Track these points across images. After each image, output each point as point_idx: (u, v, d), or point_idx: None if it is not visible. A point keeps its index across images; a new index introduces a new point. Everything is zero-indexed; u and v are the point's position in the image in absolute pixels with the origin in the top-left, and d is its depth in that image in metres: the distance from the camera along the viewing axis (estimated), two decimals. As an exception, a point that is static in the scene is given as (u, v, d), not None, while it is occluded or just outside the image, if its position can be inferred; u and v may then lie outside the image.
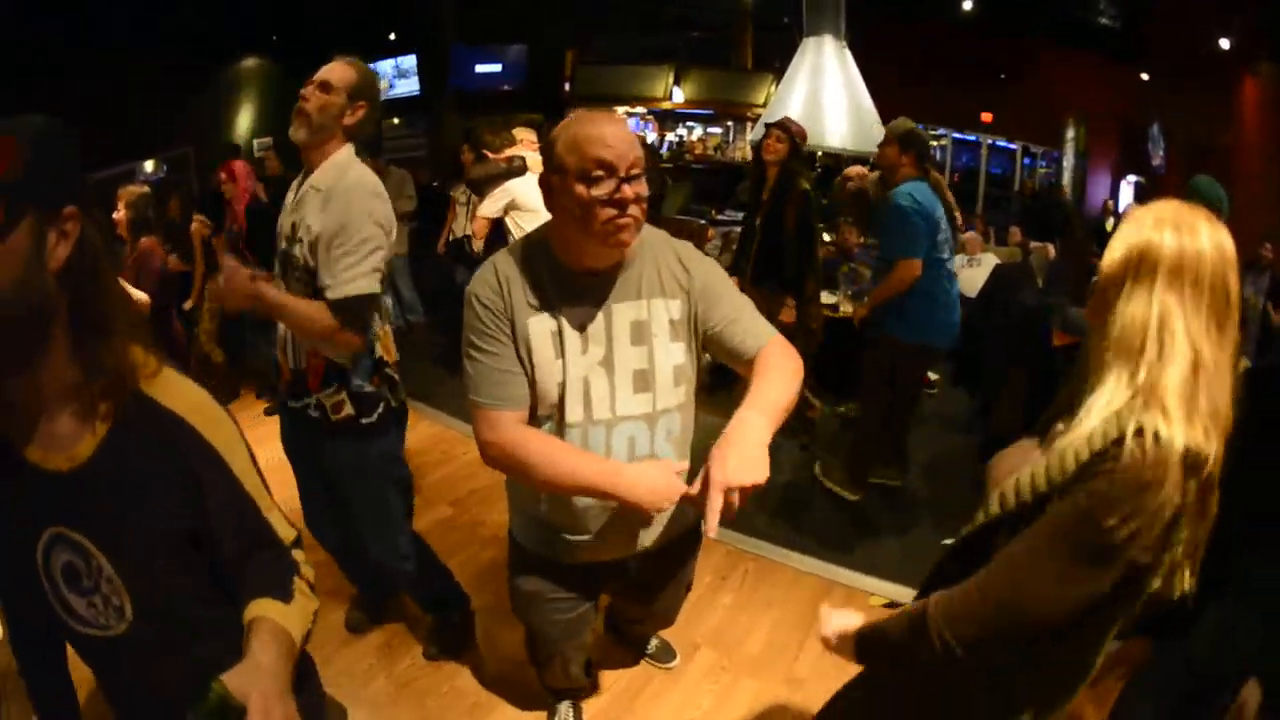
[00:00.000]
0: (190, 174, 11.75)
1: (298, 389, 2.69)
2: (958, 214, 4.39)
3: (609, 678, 3.16)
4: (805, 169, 5.10)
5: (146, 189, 5.44)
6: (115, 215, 5.22)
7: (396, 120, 14.88)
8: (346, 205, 2.44)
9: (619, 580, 2.43)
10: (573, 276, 1.96)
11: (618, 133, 1.81)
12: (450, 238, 7.52)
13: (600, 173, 1.78)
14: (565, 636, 2.49)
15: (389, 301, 2.81)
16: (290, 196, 2.66)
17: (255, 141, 13.24)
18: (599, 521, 2.14)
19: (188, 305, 6.22)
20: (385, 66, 14.44)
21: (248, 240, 5.54)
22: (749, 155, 12.62)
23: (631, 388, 2.00)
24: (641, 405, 2.01)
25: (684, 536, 2.39)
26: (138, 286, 4.85)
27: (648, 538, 2.24)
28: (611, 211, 1.80)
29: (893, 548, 4.25)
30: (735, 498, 1.63)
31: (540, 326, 1.95)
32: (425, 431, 5.65)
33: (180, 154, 12.06)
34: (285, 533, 1.43)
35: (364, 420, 2.67)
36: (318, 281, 2.49)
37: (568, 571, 2.32)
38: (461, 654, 3.27)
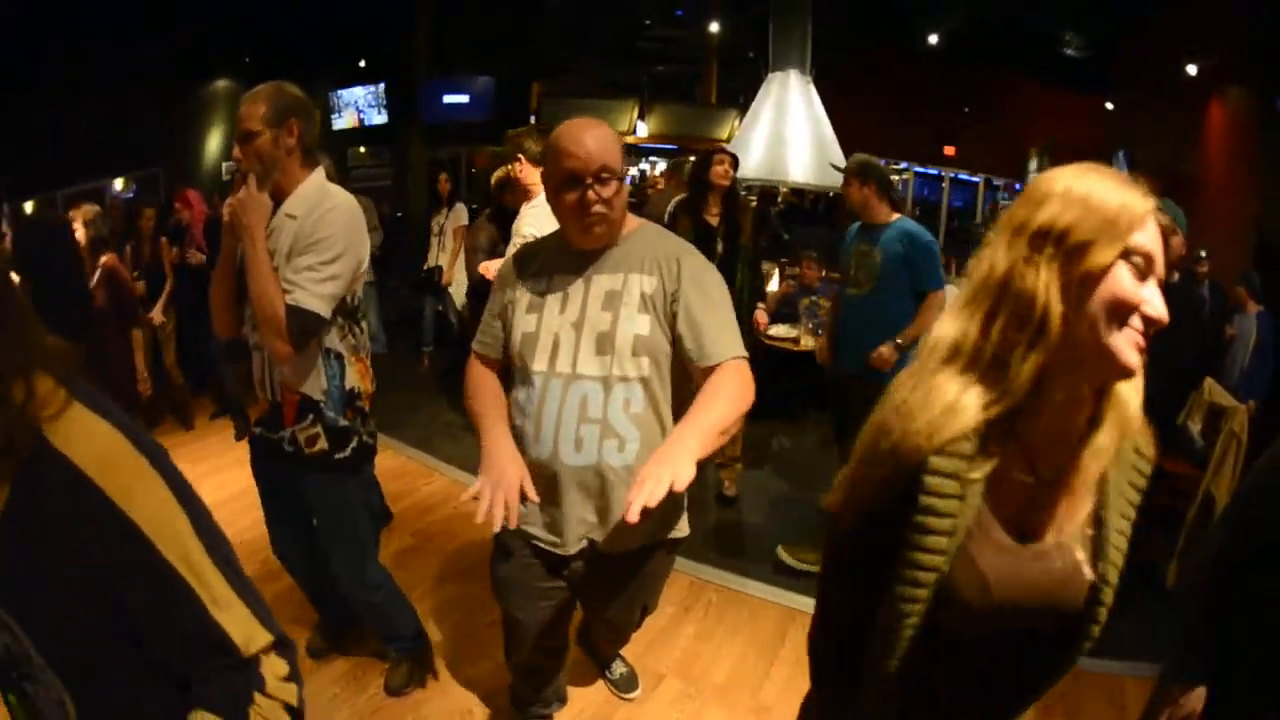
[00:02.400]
0: (160, 194, 11.65)
1: (273, 421, 2.68)
2: None
3: (574, 708, 3.12)
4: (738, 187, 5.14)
5: (98, 207, 5.41)
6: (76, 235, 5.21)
7: (363, 149, 14.88)
8: (324, 223, 2.45)
9: (581, 577, 2.39)
10: (569, 253, 2.23)
11: (587, 143, 2.06)
12: (425, 268, 7.53)
13: (570, 181, 2.06)
14: (537, 625, 2.49)
15: (365, 330, 2.77)
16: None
17: (224, 165, 13.20)
18: (546, 495, 2.19)
19: (156, 318, 6.23)
20: (358, 94, 14.44)
21: (209, 258, 5.60)
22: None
23: (594, 348, 2.14)
24: (600, 367, 2.13)
25: (642, 550, 2.38)
26: (103, 304, 4.83)
27: (596, 531, 2.26)
28: (579, 212, 2.09)
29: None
30: (652, 487, 1.71)
31: (529, 287, 2.25)
32: (388, 463, 5.55)
33: (150, 174, 12.00)
34: (246, 635, 1.09)
35: (337, 455, 2.68)
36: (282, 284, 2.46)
37: (539, 558, 2.36)
38: (423, 686, 3.23)
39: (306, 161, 2.57)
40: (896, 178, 17.30)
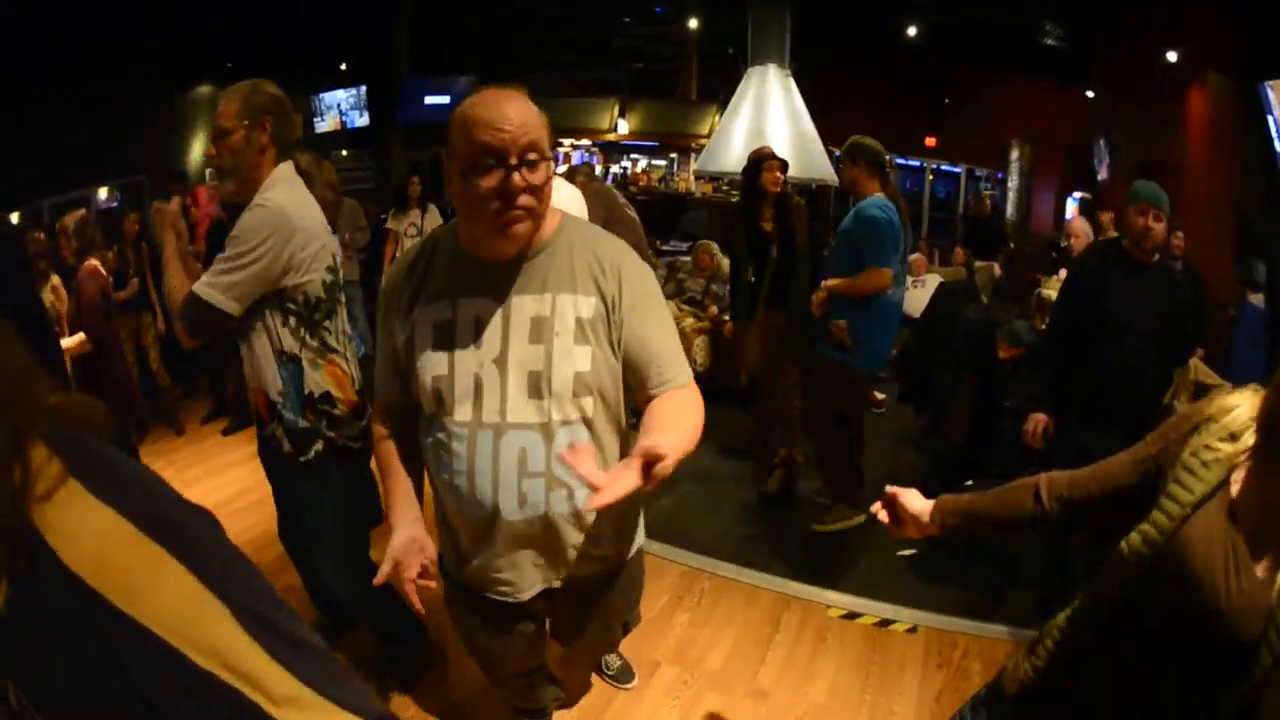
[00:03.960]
0: (145, 201, 11.62)
1: (260, 420, 2.74)
2: (908, 235, 4.45)
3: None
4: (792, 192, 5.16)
5: (84, 212, 5.47)
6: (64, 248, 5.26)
7: (345, 152, 14.86)
8: (245, 221, 2.43)
9: (547, 613, 2.28)
10: (475, 265, 1.83)
11: (510, 115, 1.62)
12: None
13: (489, 161, 1.62)
14: (506, 664, 2.38)
15: (341, 333, 2.76)
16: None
17: (208, 171, 13.14)
18: (491, 550, 1.98)
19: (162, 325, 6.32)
20: (339, 97, 14.42)
21: (207, 259, 5.55)
22: (693, 186, 12.74)
23: (525, 391, 1.81)
24: (536, 412, 1.82)
25: (606, 575, 2.20)
26: (79, 311, 4.83)
27: (549, 572, 2.05)
28: (497, 204, 1.65)
29: (848, 559, 4.31)
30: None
31: (428, 317, 1.85)
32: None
33: (135, 181, 11.94)
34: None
35: (301, 459, 2.67)
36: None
37: (495, 606, 2.11)
38: (417, 684, 3.24)
39: (281, 159, 2.58)
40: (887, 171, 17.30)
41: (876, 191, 4.22)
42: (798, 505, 4.99)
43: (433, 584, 1.89)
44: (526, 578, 2.02)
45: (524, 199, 1.66)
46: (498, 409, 1.81)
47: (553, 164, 1.76)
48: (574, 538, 1.99)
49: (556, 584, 2.07)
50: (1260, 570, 1.24)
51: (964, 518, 1.73)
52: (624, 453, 2.02)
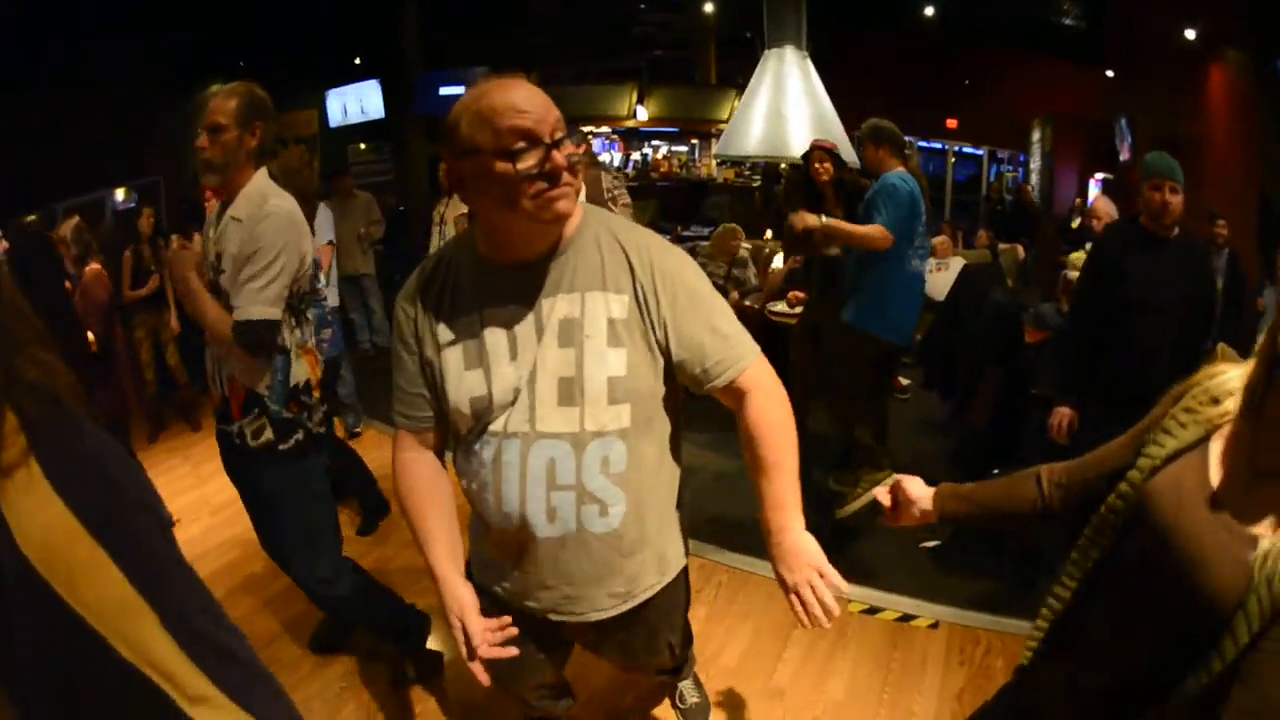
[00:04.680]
0: (161, 202, 11.64)
1: (225, 414, 2.76)
2: (929, 213, 4.40)
3: (581, 694, 2.99)
4: (852, 174, 5.07)
5: (77, 218, 5.52)
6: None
7: (364, 145, 14.81)
8: (263, 231, 2.53)
9: (581, 639, 2.17)
10: (499, 273, 1.75)
11: (530, 97, 1.57)
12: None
13: (522, 144, 1.55)
14: (525, 679, 2.22)
15: (311, 321, 2.85)
16: (211, 229, 2.73)
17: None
18: (524, 569, 1.88)
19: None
20: (355, 91, 14.37)
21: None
22: (714, 171, 12.65)
23: (555, 399, 1.71)
24: (566, 422, 1.71)
25: (644, 604, 2.01)
26: (85, 317, 4.84)
27: (582, 602, 1.90)
28: (543, 185, 1.57)
29: (869, 552, 4.20)
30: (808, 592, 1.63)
31: (456, 332, 1.77)
32: (387, 454, 5.44)
33: (151, 182, 11.95)
34: None
35: (281, 447, 2.73)
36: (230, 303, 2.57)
37: (525, 621, 1.94)
38: (429, 681, 3.20)
39: (258, 164, 2.68)
40: (907, 152, 17.21)
41: (896, 166, 4.20)
42: (819, 500, 4.83)
43: (512, 652, 1.77)
44: (555, 602, 1.90)
45: (567, 175, 1.59)
46: (527, 417, 1.72)
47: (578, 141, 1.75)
48: (613, 563, 1.86)
49: (586, 611, 1.92)
50: (1245, 527, 1.17)
51: (966, 505, 1.71)
52: (675, 457, 1.95)
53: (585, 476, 1.74)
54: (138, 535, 0.93)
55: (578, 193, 1.66)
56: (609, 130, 13.99)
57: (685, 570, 2.14)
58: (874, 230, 4.00)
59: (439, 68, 13.48)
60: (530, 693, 2.33)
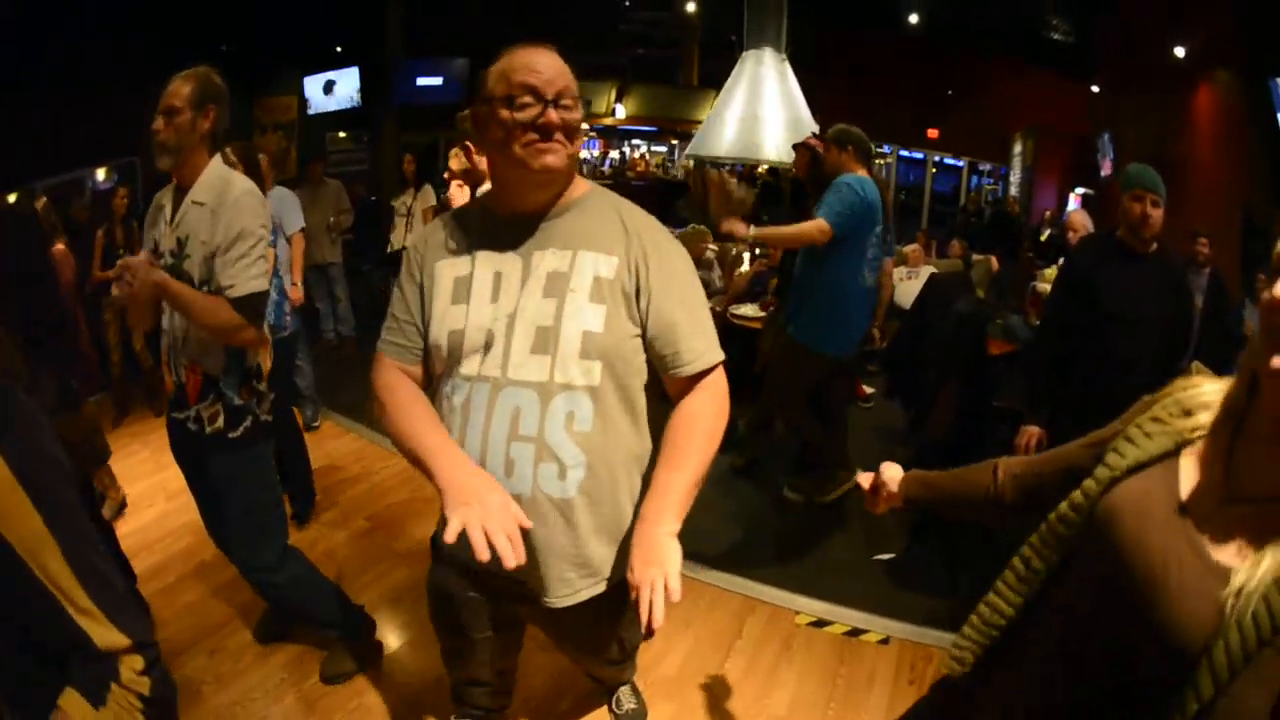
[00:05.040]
0: (137, 181, 11.55)
1: (179, 401, 2.76)
2: (891, 223, 4.35)
3: (518, 699, 2.88)
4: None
5: (45, 199, 5.47)
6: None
7: (342, 134, 14.71)
8: (239, 214, 2.57)
9: (529, 615, 2.13)
10: (499, 222, 1.85)
11: (547, 61, 1.71)
12: (389, 249, 7.52)
13: (527, 99, 1.68)
14: (471, 664, 2.24)
15: (276, 306, 3.04)
16: (161, 212, 2.72)
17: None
18: None
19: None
20: (333, 78, 14.26)
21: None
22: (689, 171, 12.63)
23: (529, 346, 1.75)
24: (537, 370, 1.74)
25: (597, 602, 1.96)
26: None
27: (532, 576, 1.87)
28: (534, 136, 1.69)
29: (821, 564, 4.11)
30: (652, 604, 1.53)
31: (448, 271, 1.85)
32: (348, 446, 5.53)
33: (128, 163, 11.85)
34: (103, 637, 1.26)
35: (230, 434, 2.75)
36: (215, 284, 2.57)
37: (481, 585, 2.01)
38: (362, 672, 3.19)
39: (211, 150, 2.69)
40: (880, 161, 17.28)
41: (857, 170, 4.15)
42: (771, 505, 4.79)
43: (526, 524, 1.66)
44: (517, 580, 1.87)
45: (559, 135, 1.71)
46: (500, 363, 1.76)
47: (583, 115, 1.80)
48: (566, 539, 1.83)
49: (536, 589, 1.90)
50: (1217, 555, 1.06)
51: (927, 491, 1.74)
52: (654, 434, 1.93)
53: (548, 429, 1.75)
54: (51, 487, 1.22)
55: (571, 156, 1.77)
56: (588, 127, 13.92)
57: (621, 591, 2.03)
58: (808, 225, 3.93)
59: (419, 57, 13.41)
60: (473, 683, 2.31)
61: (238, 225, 2.56)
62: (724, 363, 1.89)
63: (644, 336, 1.81)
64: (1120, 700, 1.12)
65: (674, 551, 1.61)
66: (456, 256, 1.86)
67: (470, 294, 1.81)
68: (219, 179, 2.64)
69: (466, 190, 3.80)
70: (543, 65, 1.69)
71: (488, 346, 1.77)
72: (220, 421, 2.73)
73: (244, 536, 2.88)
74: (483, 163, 3.63)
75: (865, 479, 1.89)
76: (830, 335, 4.13)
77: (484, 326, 1.77)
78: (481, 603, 2.04)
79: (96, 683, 1.25)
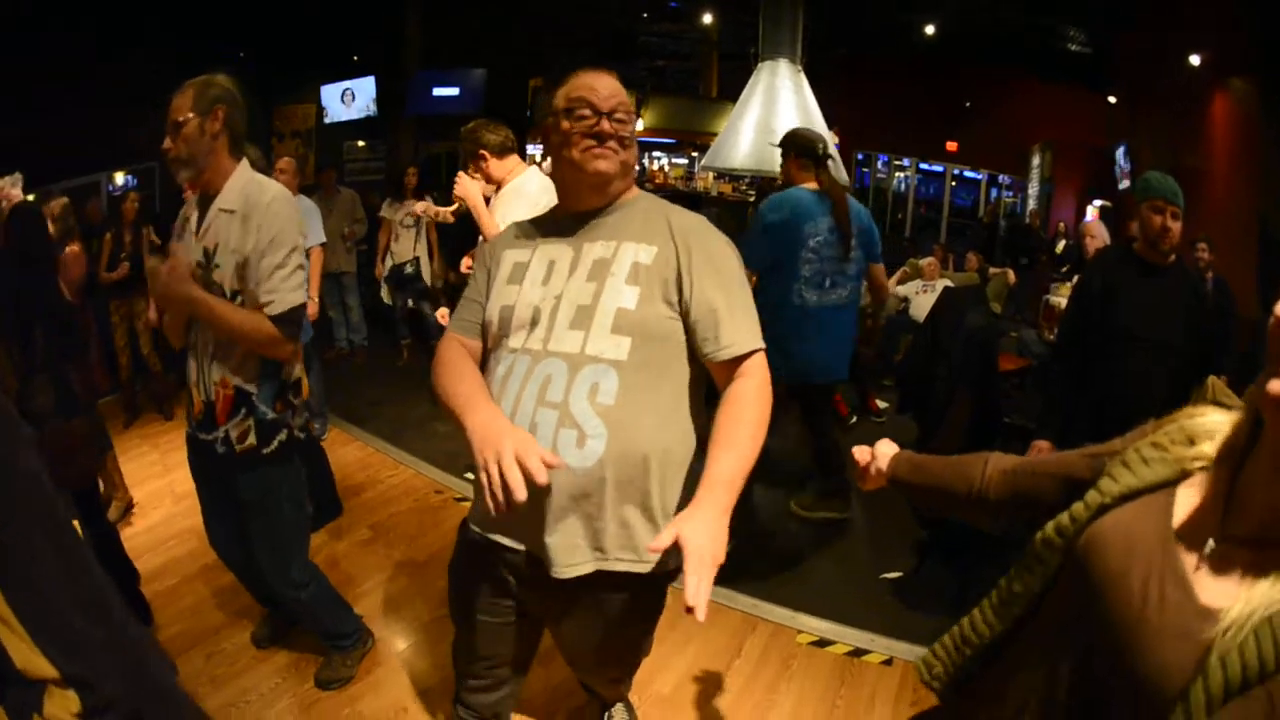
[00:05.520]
0: (155, 186, 11.64)
1: (207, 422, 2.70)
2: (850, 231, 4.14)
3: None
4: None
5: (66, 199, 5.50)
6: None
7: (361, 143, 14.76)
8: (273, 219, 2.52)
9: (531, 594, 2.07)
10: (561, 220, 2.06)
11: (605, 81, 1.93)
12: (391, 262, 7.53)
13: (585, 111, 1.90)
14: (479, 648, 2.18)
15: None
16: (188, 224, 2.68)
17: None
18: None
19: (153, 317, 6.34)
20: (351, 87, 14.31)
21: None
22: (710, 184, 12.59)
23: (569, 322, 1.89)
24: (572, 343, 1.86)
25: (600, 580, 1.93)
26: (68, 292, 4.85)
27: (541, 545, 1.88)
28: (590, 141, 1.90)
29: (826, 583, 4.04)
30: (701, 582, 1.52)
31: (511, 257, 2.06)
32: (353, 454, 5.54)
33: (147, 167, 11.94)
34: (25, 662, 1.14)
35: (264, 450, 2.70)
36: (249, 298, 2.54)
37: (501, 563, 2.01)
38: (354, 680, 3.20)
39: (234, 153, 2.63)
40: (901, 174, 17.23)
41: (809, 183, 4.05)
42: (774, 522, 4.74)
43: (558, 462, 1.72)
44: (525, 533, 1.93)
45: (612, 142, 1.90)
46: (542, 338, 1.90)
47: (635, 134, 2.02)
48: (576, 506, 1.85)
49: (544, 554, 1.89)
50: (1203, 597, 0.99)
51: (914, 475, 1.69)
52: (690, 417, 1.96)
53: (572, 398, 1.82)
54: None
55: (623, 163, 1.96)
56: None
57: (661, 579, 2.04)
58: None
59: (437, 67, 13.44)
60: (476, 678, 2.26)
61: (271, 232, 2.52)
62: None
63: (686, 321, 1.91)
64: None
65: (722, 531, 1.63)
66: (521, 246, 2.07)
67: (525, 276, 1.99)
68: (249, 183, 2.59)
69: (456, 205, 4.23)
70: (600, 84, 1.92)
71: (534, 323, 1.92)
72: (252, 438, 2.67)
73: (270, 556, 2.88)
74: (475, 183, 3.93)
75: (862, 453, 1.86)
76: (772, 360, 4.03)
77: (533, 304, 1.93)
78: (500, 584, 2.05)
79: (16, 710, 1.15)
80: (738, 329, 1.89)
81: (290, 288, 2.54)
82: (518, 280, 2.00)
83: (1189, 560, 1.03)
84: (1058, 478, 1.36)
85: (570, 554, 1.87)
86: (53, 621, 1.16)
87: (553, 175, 2.11)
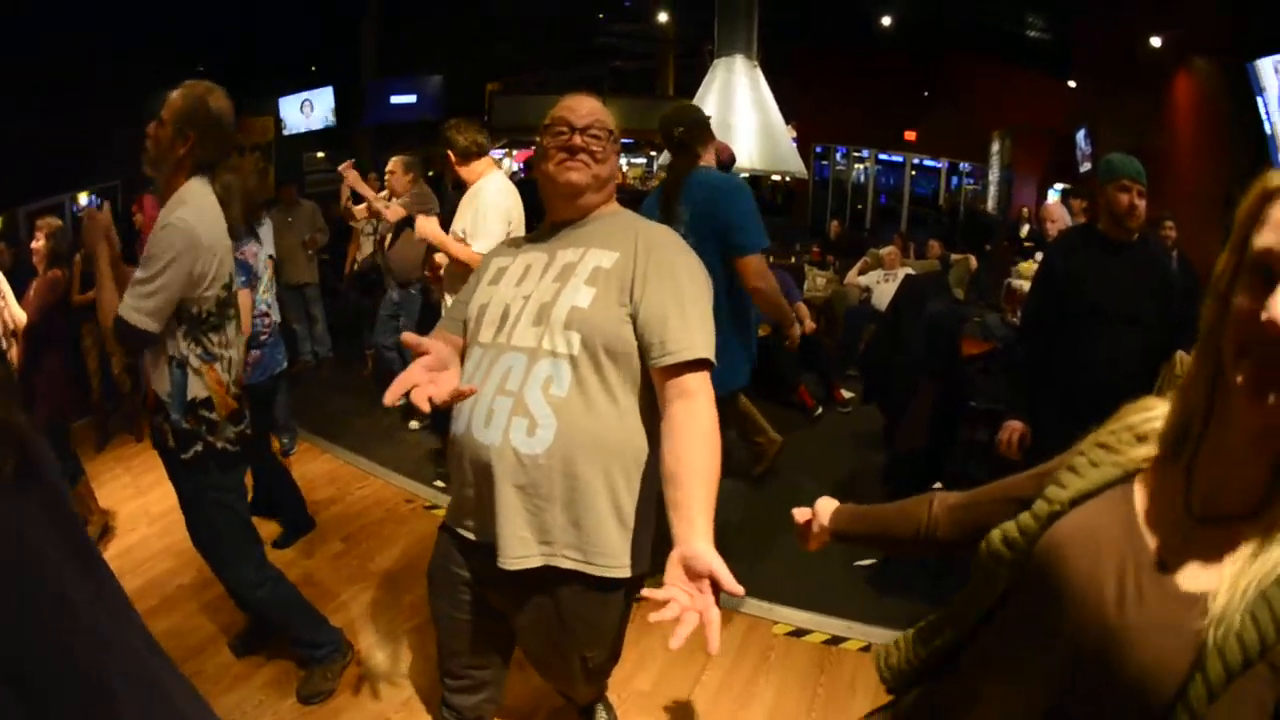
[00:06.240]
0: (118, 205, 11.52)
1: (148, 408, 2.83)
2: (668, 215, 3.52)
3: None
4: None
5: (60, 221, 5.47)
6: (34, 245, 5.24)
7: (320, 154, 14.68)
8: (156, 239, 2.55)
9: (489, 584, 2.08)
10: (545, 229, 2.18)
11: (583, 101, 2.07)
12: (355, 267, 7.49)
13: (562, 128, 2.03)
14: (458, 643, 2.21)
15: (228, 340, 2.91)
16: None
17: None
18: (466, 491, 1.99)
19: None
20: (310, 98, 14.22)
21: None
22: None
23: (532, 320, 1.97)
24: (531, 338, 1.95)
25: (553, 575, 1.96)
26: (40, 315, 4.87)
27: (491, 529, 1.92)
28: (563, 155, 2.03)
29: (798, 573, 4.02)
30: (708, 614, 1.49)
31: (497, 263, 2.18)
32: (322, 467, 5.50)
33: (110, 186, 11.81)
34: None
35: (182, 456, 2.78)
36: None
37: (456, 546, 2.09)
38: (334, 694, 3.18)
39: (195, 173, 2.68)
40: (860, 165, 17.34)
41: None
42: (743, 515, 4.74)
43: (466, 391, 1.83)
44: (476, 520, 2.01)
45: (583, 155, 2.02)
46: (508, 333, 1.98)
47: (617, 149, 2.15)
48: (523, 494, 1.90)
49: (496, 539, 1.92)
50: (1184, 585, 0.96)
51: (859, 525, 1.64)
52: (646, 420, 1.97)
53: (527, 387, 1.90)
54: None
55: (595, 176, 2.06)
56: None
57: (622, 586, 2.03)
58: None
59: (395, 75, 13.39)
60: (453, 676, 2.28)
61: (150, 248, 2.56)
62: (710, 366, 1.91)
63: (635, 325, 1.93)
64: None
65: (716, 561, 1.57)
66: (507, 255, 2.19)
67: (502, 279, 2.11)
68: (176, 201, 2.62)
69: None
70: (579, 105, 2.06)
71: (503, 320, 2.01)
72: (171, 440, 2.76)
73: (212, 552, 2.98)
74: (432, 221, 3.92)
75: (801, 513, 1.77)
76: None
77: (504, 303, 2.04)
78: (464, 579, 2.11)
79: None
80: (685, 335, 1.88)
81: (133, 305, 2.54)
82: (496, 282, 2.11)
83: (1160, 550, 1.01)
84: (1007, 501, 1.29)
85: (518, 545, 1.91)
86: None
87: (539, 182, 2.19)
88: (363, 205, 6.69)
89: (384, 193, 6.28)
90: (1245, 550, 0.92)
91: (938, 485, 4.71)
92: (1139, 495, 1.07)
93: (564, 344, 1.90)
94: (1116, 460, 1.10)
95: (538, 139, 2.13)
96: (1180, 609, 0.93)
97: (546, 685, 3.01)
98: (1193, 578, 0.96)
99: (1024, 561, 1.11)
